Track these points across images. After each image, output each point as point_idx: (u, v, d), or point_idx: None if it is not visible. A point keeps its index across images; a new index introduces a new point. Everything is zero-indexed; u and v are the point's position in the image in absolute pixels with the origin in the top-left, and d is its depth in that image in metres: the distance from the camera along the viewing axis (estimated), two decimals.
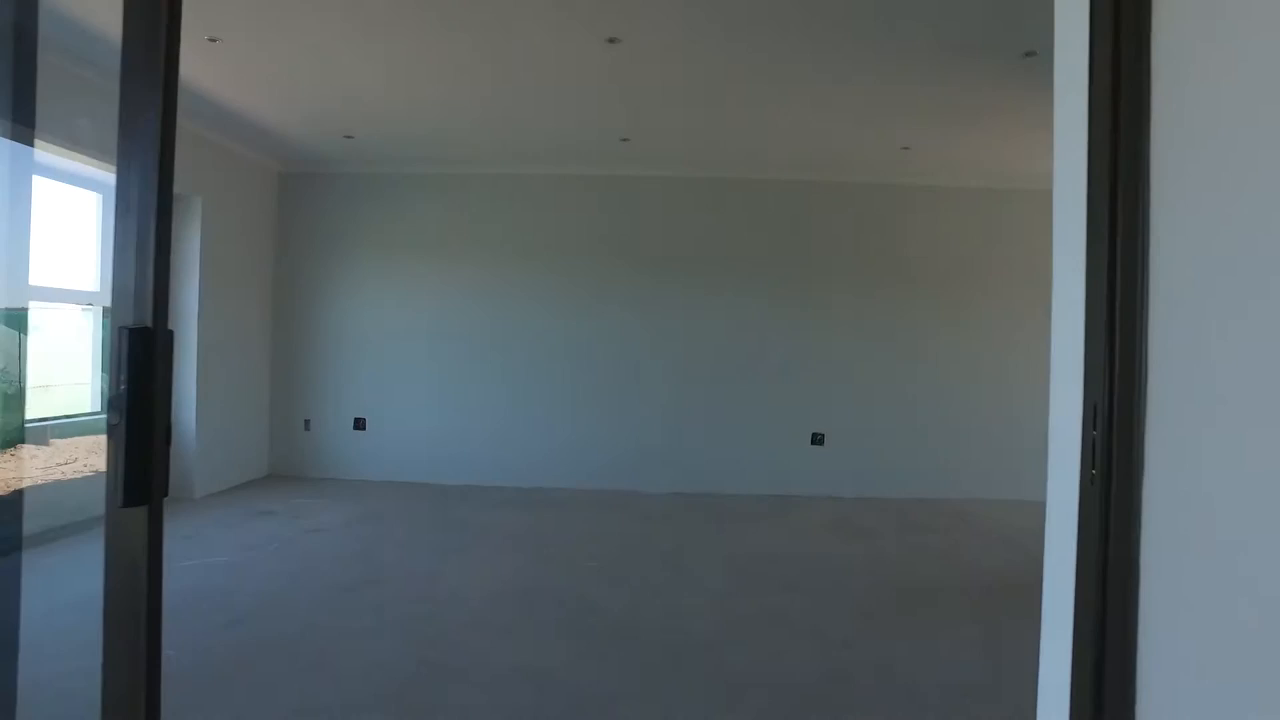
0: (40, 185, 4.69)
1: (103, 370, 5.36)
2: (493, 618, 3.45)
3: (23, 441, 4.28)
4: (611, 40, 3.86)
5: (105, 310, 5.19)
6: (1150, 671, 1.15)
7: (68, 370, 5.44)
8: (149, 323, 1.20)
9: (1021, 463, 6.48)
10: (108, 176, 3.39)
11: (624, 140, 5.65)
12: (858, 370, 6.52)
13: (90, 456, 4.90)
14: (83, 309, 5.37)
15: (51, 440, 4.83)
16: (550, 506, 5.79)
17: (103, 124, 2.94)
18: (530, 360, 6.59)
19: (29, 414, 4.61)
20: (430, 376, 6.64)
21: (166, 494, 1.23)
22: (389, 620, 3.38)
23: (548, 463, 6.55)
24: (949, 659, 3.12)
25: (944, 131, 5.24)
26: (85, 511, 4.13)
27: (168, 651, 1.26)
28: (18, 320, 4.00)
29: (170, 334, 1.24)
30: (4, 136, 2.32)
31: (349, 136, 5.74)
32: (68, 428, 5.01)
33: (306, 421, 6.69)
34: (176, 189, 1.28)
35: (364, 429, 6.67)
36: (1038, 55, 3.82)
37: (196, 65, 4.24)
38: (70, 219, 5.19)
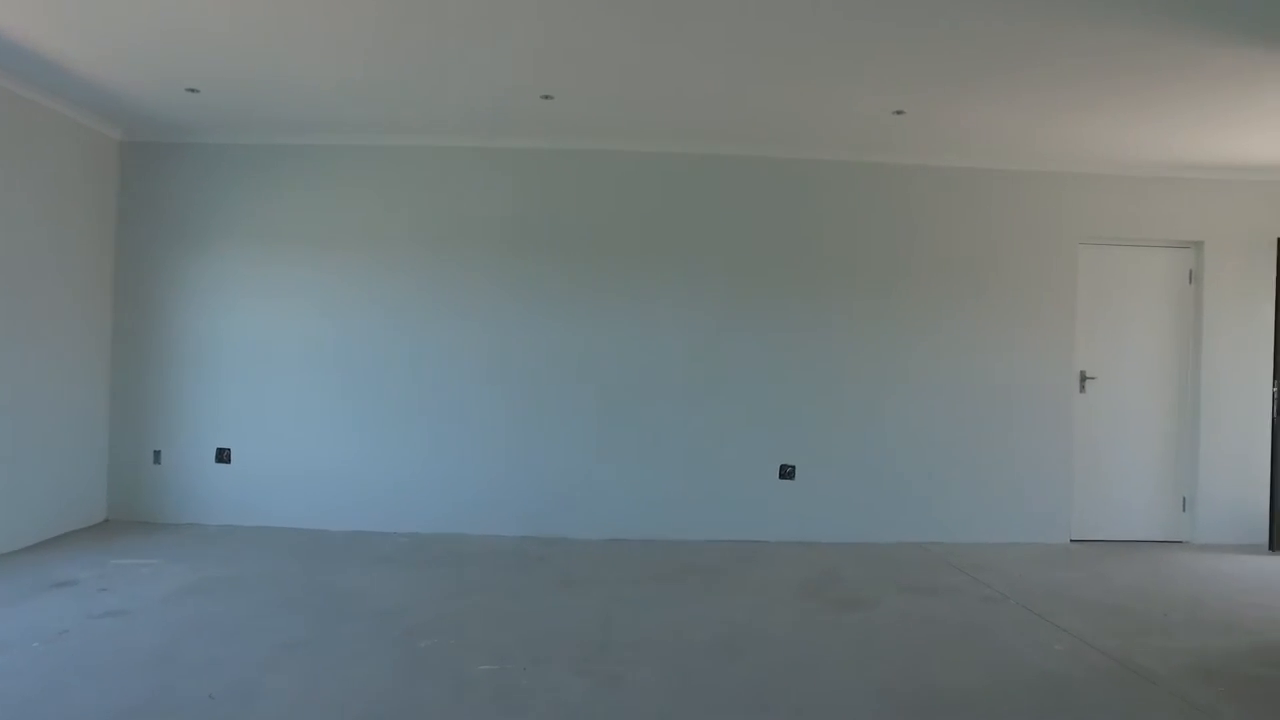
0: None
1: None
2: None
3: None
4: None
5: None
6: None
7: None
8: None
9: (1022, 501, 5.45)
10: None
11: (546, 98, 4.47)
12: (835, 390, 5.41)
13: None
14: None
15: None
16: (450, 563, 4.55)
17: None
18: (437, 378, 5.34)
19: None
20: (312, 397, 5.35)
21: None
22: None
23: (457, 504, 5.30)
24: None
25: (947, 93, 4.18)
26: None
27: None
28: None
29: None
30: None
31: (193, 90, 4.46)
32: None
33: (156, 453, 5.35)
34: None
35: (229, 462, 5.35)
36: None
37: None
38: None
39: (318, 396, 5.33)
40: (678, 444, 5.35)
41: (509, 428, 5.33)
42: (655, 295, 5.36)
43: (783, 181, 5.41)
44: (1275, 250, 5.48)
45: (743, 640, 3.44)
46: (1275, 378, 5.41)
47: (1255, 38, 3.40)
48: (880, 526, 5.38)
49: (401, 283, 5.35)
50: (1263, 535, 5.45)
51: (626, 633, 3.48)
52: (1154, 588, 4.40)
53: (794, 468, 5.38)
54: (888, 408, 5.42)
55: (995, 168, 5.46)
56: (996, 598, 4.14)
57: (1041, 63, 3.77)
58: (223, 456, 5.35)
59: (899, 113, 4.54)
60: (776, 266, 5.40)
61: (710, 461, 5.35)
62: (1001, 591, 4.24)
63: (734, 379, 5.37)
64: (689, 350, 5.37)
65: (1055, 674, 3.13)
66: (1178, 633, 3.66)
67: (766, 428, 5.38)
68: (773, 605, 3.95)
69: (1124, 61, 3.72)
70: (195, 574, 4.14)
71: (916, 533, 5.40)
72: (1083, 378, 5.56)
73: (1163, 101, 4.21)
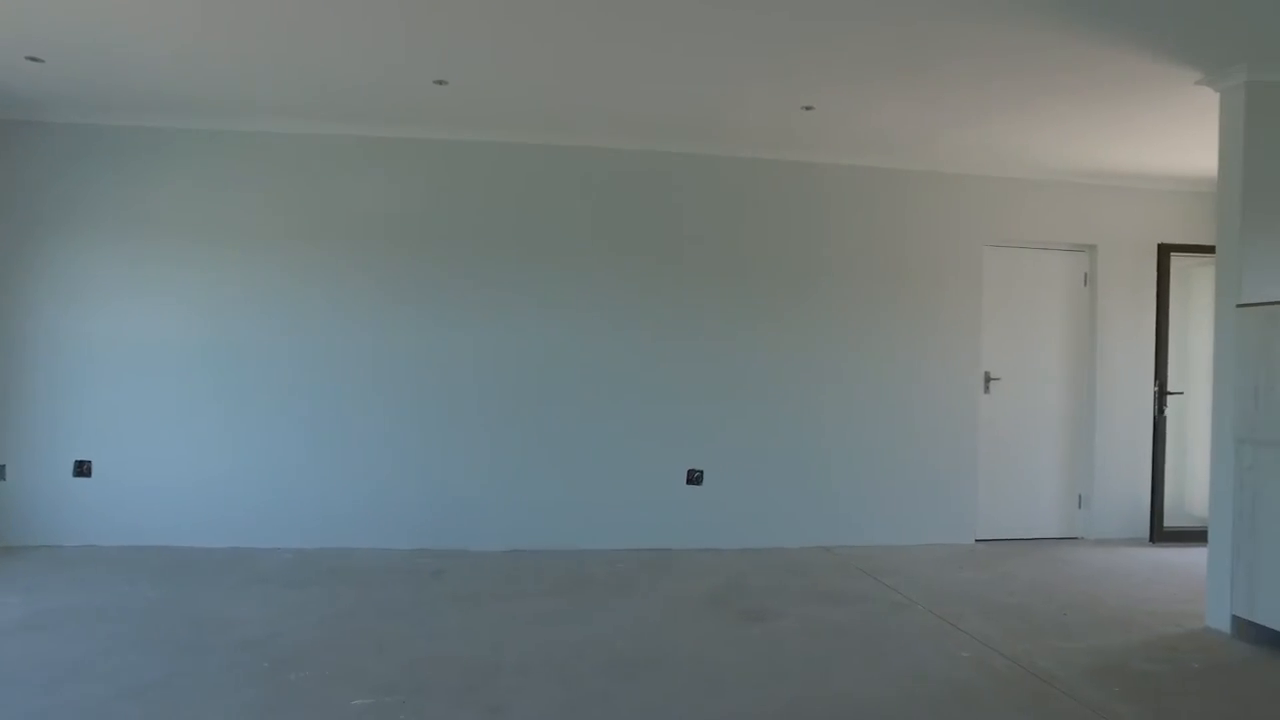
0: None
1: None
2: None
3: None
4: None
5: None
6: None
7: None
8: None
9: (929, 502, 5.47)
10: None
11: (439, 83, 4.19)
12: (746, 393, 5.29)
13: None
14: None
15: None
16: (333, 581, 4.21)
17: None
18: (320, 381, 4.97)
19: None
20: (183, 402, 4.90)
21: None
22: None
23: (343, 516, 4.94)
24: None
25: (854, 90, 4.10)
26: None
27: None
28: None
29: None
30: None
31: (35, 59, 3.99)
32: None
33: (1, 467, 4.81)
34: None
35: (89, 476, 4.86)
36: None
37: None
38: None
39: (190, 401, 4.89)
40: (582, 449, 5.13)
41: (400, 433, 5.01)
42: (555, 295, 5.14)
43: (693, 177, 5.27)
44: (1156, 256, 5.65)
45: (645, 657, 3.25)
46: (1156, 378, 5.58)
47: (1141, 46, 3.42)
48: (790, 531, 5.29)
49: (281, 280, 4.96)
50: (1145, 529, 5.62)
51: (519, 654, 3.25)
52: (1054, 586, 4.43)
53: (702, 473, 5.24)
54: (797, 410, 5.34)
55: (907, 168, 5.45)
56: (904, 603, 4.08)
57: (943, 64, 3.72)
58: (82, 469, 4.84)
59: (808, 108, 4.44)
60: (687, 266, 5.25)
61: (616, 467, 5.16)
62: (909, 596, 4.19)
63: (641, 381, 5.20)
64: (593, 351, 5.16)
65: (962, 683, 3.05)
66: (1076, 632, 3.66)
67: (674, 432, 5.22)
68: (678, 617, 3.78)
69: (1019, 64, 3.70)
70: (32, 606, 3.68)
71: (826, 536, 5.33)
72: (987, 378, 5.62)
73: (1056, 107, 4.24)
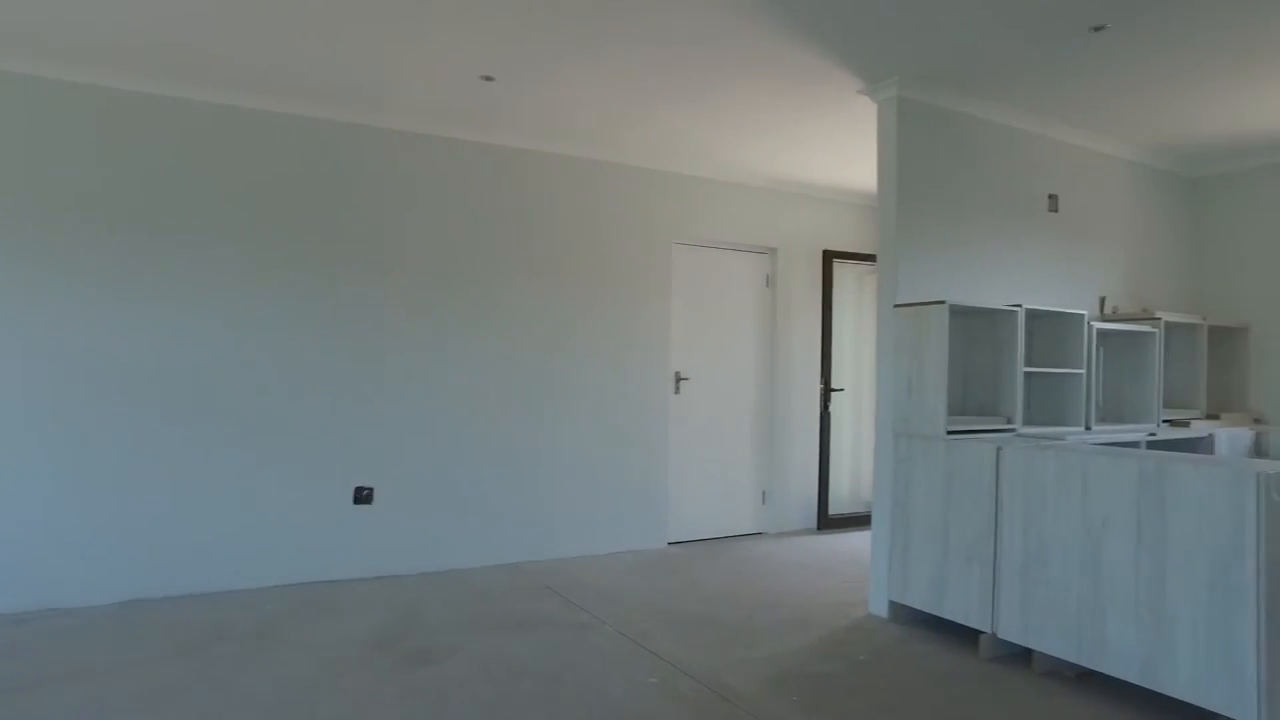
0: None
1: None
2: None
3: None
4: None
5: None
6: None
7: None
8: None
9: (622, 508, 5.29)
10: None
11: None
12: (421, 399, 4.70)
13: None
14: None
15: None
16: None
17: None
18: None
19: None
20: None
21: None
22: None
23: None
24: None
25: (537, 62, 3.72)
26: None
27: None
28: None
29: None
30: None
31: None
32: None
33: None
34: None
35: None
36: None
37: None
38: None
39: None
40: (223, 468, 4.20)
41: None
42: (185, 286, 4.16)
43: (359, 150, 4.56)
44: (821, 261, 6.04)
45: None
46: (822, 376, 5.96)
47: (808, 49, 3.45)
48: (476, 549, 4.80)
49: None
50: (814, 519, 5.99)
51: None
52: (740, 588, 4.41)
53: (371, 490, 4.56)
54: (481, 417, 4.86)
55: (599, 158, 5.22)
56: (591, 624, 3.77)
57: (621, 45, 3.48)
58: None
59: (488, 78, 3.99)
60: (359, 256, 4.54)
61: (266, 488, 4.30)
62: (598, 615, 3.90)
63: (301, 388, 4.39)
64: (238, 356, 4.25)
65: (646, 716, 2.77)
66: (760, 637, 3.60)
67: (339, 445, 4.48)
68: (330, 672, 3.11)
69: (695, 55, 3.58)
70: None
71: (516, 552, 4.92)
72: (678, 378, 5.58)
73: (734, 105, 4.23)
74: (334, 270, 4.48)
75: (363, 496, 4.55)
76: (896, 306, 3.81)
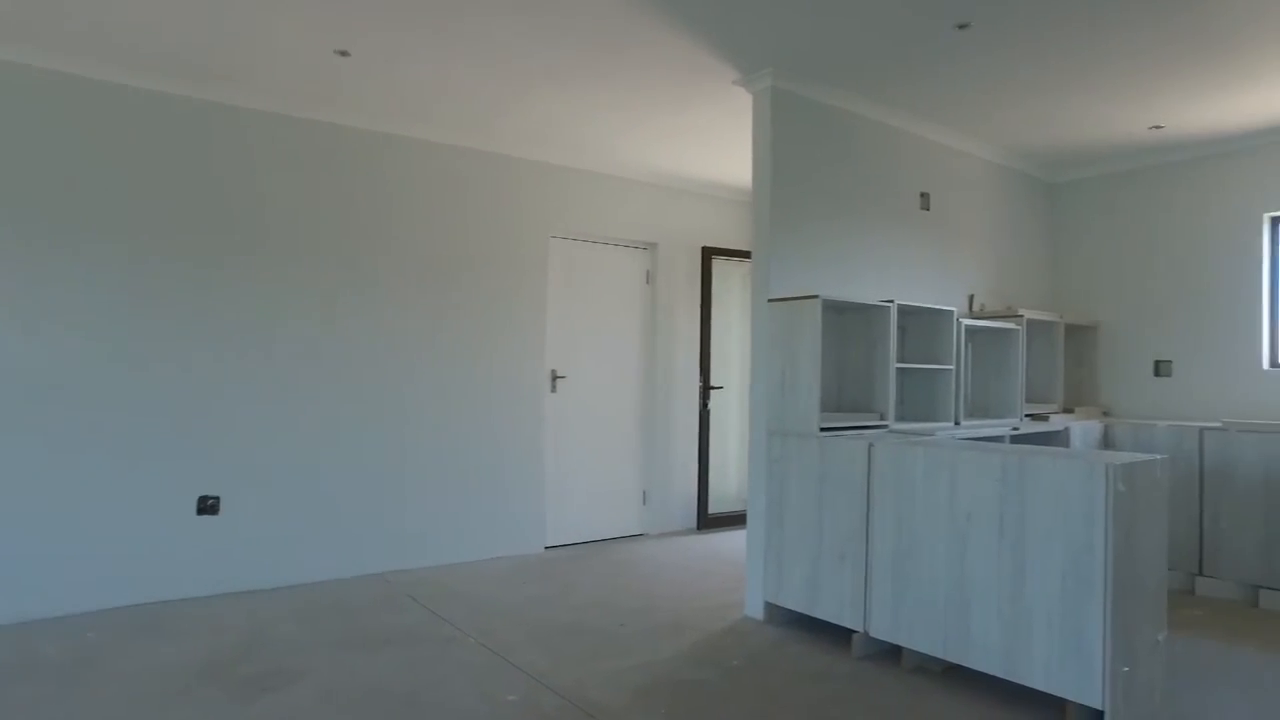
0: None
1: None
2: None
3: None
4: None
5: None
6: None
7: None
8: None
9: (497, 512, 5.07)
10: None
11: None
12: (277, 398, 4.33)
13: None
14: None
15: None
16: None
17: None
18: None
19: None
20: None
21: None
22: None
23: None
24: None
25: (395, 36, 3.45)
26: None
27: None
28: None
29: None
30: None
31: None
32: None
33: None
34: None
35: None
36: None
37: None
38: None
39: None
40: (38, 480, 3.72)
41: None
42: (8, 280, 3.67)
43: (205, 130, 4.15)
44: (700, 258, 5.98)
45: None
46: (702, 374, 5.90)
47: (680, 32, 3.34)
48: (340, 559, 4.47)
49: None
50: (696, 519, 5.93)
51: None
52: (614, 593, 4.27)
53: (218, 499, 4.16)
54: (342, 418, 4.53)
55: (470, 146, 4.96)
56: (455, 638, 3.53)
57: (488, 21, 3.27)
58: None
59: (343, 53, 3.69)
60: (205, 246, 4.13)
61: (93, 500, 3.84)
62: (462, 628, 3.67)
63: (138, 388, 3.95)
64: (58, 348, 3.78)
65: None
66: (632, 645, 3.46)
67: (181, 450, 4.07)
68: (145, 707, 2.76)
69: (566, 38, 3.41)
70: None
71: (384, 561, 4.62)
72: (554, 376, 5.39)
73: (611, 91, 4.09)
74: (177, 262, 4.06)
75: (207, 506, 4.15)
76: (770, 301, 3.75)
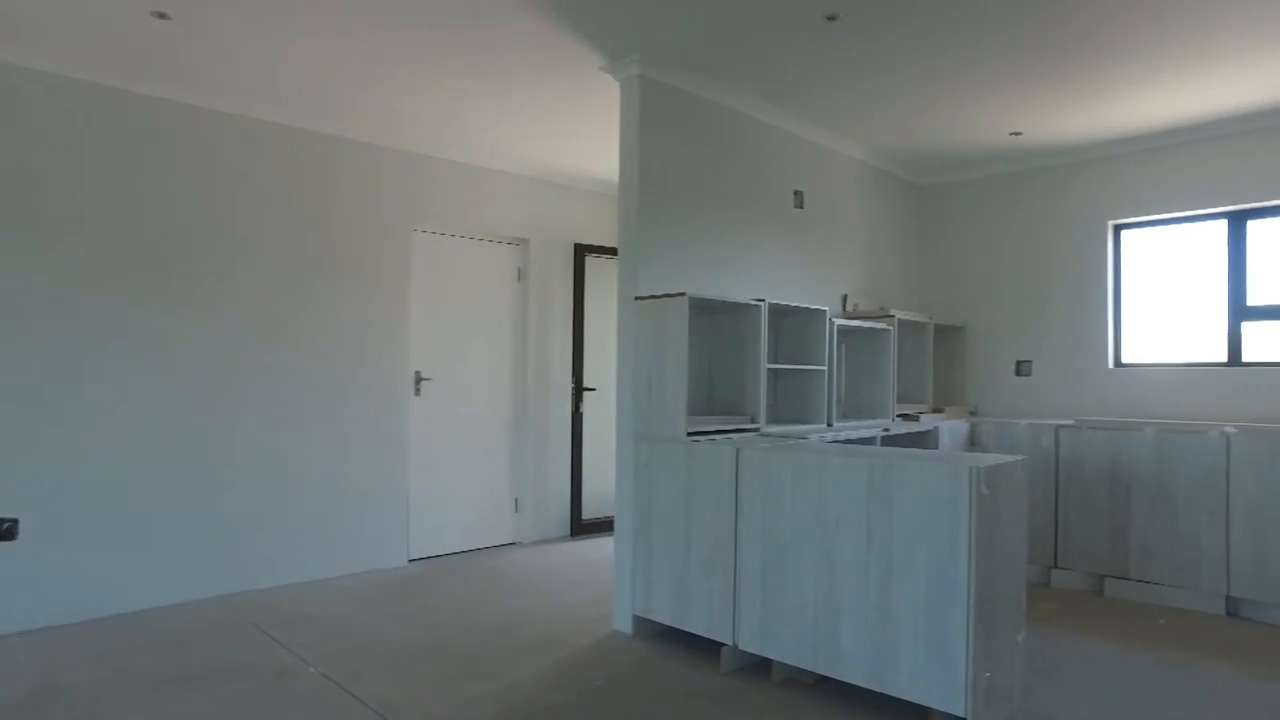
0: None
1: None
2: None
3: None
4: None
5: None
6: None
7: None
8: None
9: (356, 524, 4.71)
10: None
11: None
12: (93, 405, 3.83)
13: None
14: None
15: None
16: None
17: None
18: None
19: None
20: None
21: None
22: None
23: None
24: None
25: (217, 2, 3.07)
26: None
27: None
28: None
29: None
30: None
31: None
32: None
33: None
34: None
35: None
36: None
37: None
38: None
39: None
40: None
41: None
42: None
43: (21, 102, 3.62)
44: (573, 254, 5.78)
45: None
46: (574, 376, 5.70)
47: (542, 12, 3.12)
48: (168, 585, 4.01)
49: None
50: (570, 526, 5.73)
51: None
52: (479, 609, 4.00)
53: (14, 523, 3.63)
54: (174, 427, 4.06)
55: (321, 130, 4.56)
56: (292, 668, 3.19)
57: None
58: None
59: (161, 15, 3.26)
60: (3, 235, 3.59)
61: None
62: (304, 656, 3.32)
63: None
64: None
65: None
66: (491, 667, 3.21)
67: None
68: None
69: (419, 12, 3.13)
70: None
71: (223, 584, 4.18)
72: (418, 378, 5.06)
73: (470, 79, 3.82)
74: None
75: (3, 531, 3.61)
76: (637, 300, 3.57)
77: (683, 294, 3.33)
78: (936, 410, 5.00)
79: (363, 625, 3.73)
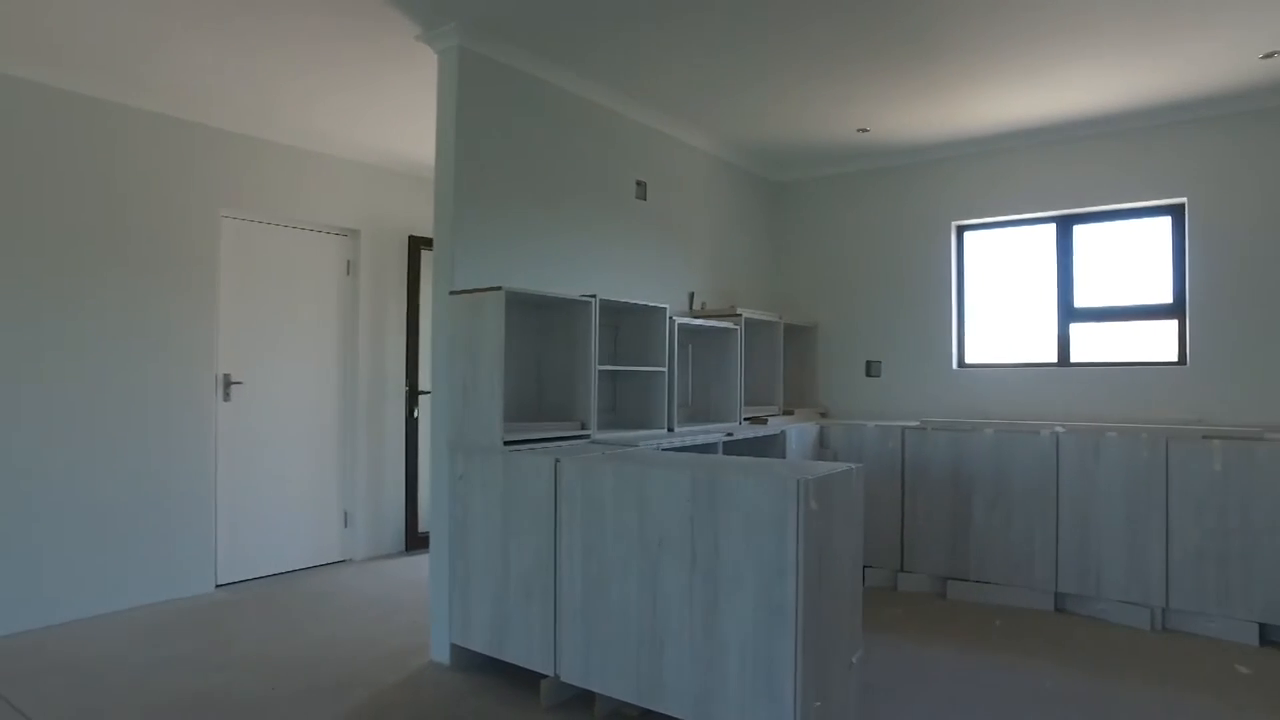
0: None
1: None
2: None
3: None
4: None
5: None
6: None
7: None
8: None
9: (151, 548, 4.13)
10: None
11: None
12: None
13: None
14: None
15: None
16: None
17: None
18: None
19: None
20: None
21: None
22: None
23: None
24: None
25: None
26: None
27: None
28: None
29: None
30: None
31: None
32: None
33: None
34: None
35: None
36: None
37: None
38: None
39: None
40: None
41: None
42: None
43: None
44: (408, 247, 5.34)
45: None
46: (408, 378, 5.28)
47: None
48: None
49: None
50: (404, 539, 5.30)
51: None
52: (282, 643, 3.53)
53: None
54: None
55: (104, 97, 3.94)
56: None
57: None
58: None
59: None
60: None
61: None
62: (41, 716, 2.77)
63: None
64: None
65: None
66: (280, 714, 2.78)
67: None
68: None
69: None
70: None
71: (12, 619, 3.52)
72: (227, 382, 4.50)
73: (273, 42, 3.35)
74: None
75: None
76: (451, 294, 3.21)
77: (499, 288, 2.99)
78: (787, 412, 4.89)
79: (135, 670, 3.19)
